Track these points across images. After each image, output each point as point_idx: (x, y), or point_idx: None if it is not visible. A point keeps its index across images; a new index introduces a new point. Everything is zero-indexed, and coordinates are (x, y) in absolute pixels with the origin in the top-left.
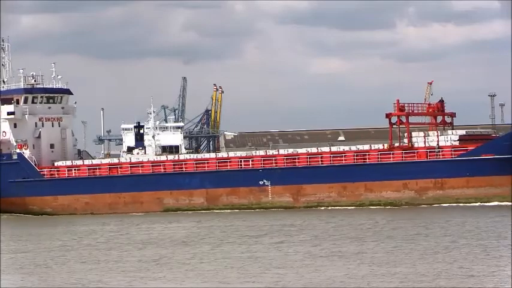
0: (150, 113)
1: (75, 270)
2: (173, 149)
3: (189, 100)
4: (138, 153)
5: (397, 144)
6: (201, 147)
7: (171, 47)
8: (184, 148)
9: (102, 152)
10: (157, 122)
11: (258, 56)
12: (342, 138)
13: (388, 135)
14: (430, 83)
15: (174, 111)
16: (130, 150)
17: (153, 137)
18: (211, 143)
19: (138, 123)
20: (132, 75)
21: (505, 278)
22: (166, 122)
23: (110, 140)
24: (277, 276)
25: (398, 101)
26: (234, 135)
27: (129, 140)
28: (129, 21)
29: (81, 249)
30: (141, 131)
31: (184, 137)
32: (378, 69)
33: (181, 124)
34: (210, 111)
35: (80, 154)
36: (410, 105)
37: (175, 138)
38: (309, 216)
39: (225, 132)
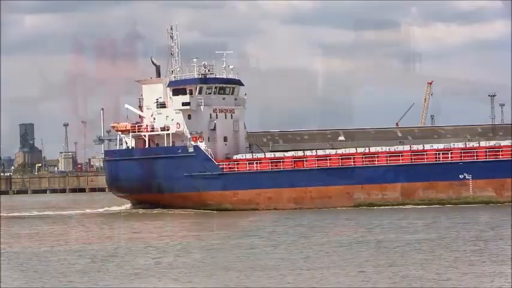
0: None
1: None
2: None
3: None
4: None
5: None
6: None
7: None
8: None
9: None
10: None
11: (259, 56)
12: (342, 138)
13: (387, 135)
14: (430, 83)
15: None
16: None
17: None
18: None
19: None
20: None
21: None
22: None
23: (110, 140)
24: None
25: None
26: None
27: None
28: (131, 21)
29: None
30: None
31: None
32: (379, 69)
33: None
34: None
35: (251, 148)
36: None
37: None
38: None
39: None
